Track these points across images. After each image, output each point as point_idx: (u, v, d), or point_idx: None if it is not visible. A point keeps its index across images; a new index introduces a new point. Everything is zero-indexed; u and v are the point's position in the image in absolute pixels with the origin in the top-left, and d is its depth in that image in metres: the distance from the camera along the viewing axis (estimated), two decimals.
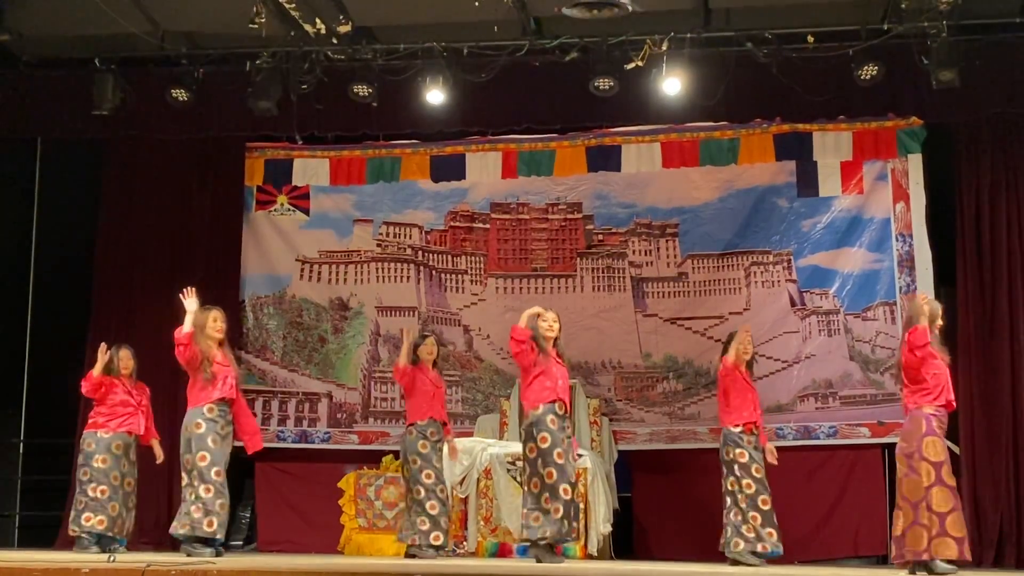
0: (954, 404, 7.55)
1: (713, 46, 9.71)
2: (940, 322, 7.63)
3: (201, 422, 7.93)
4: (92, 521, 9.02)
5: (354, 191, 11.27)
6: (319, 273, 11.28)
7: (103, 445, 9.15)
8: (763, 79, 9.67)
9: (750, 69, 9.66)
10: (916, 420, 7.37)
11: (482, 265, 11.12)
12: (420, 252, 11.20)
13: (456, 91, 9.94)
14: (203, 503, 7.81)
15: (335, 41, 9.68)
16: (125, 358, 9.35)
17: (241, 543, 10.87)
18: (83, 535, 9.03)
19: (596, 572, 7.55)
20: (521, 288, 11.01)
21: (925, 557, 7.16)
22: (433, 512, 8.60)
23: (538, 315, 7.95)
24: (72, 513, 9.15)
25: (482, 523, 9.49)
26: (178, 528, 7.87)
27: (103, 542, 8.99)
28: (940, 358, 7.48)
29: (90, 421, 9.27)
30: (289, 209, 11.35)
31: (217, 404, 7.97)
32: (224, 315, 8.27)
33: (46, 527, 10.56)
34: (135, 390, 9.34)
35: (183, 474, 8.01)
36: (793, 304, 10.54)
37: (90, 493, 9.07)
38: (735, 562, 8.35)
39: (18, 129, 10.68)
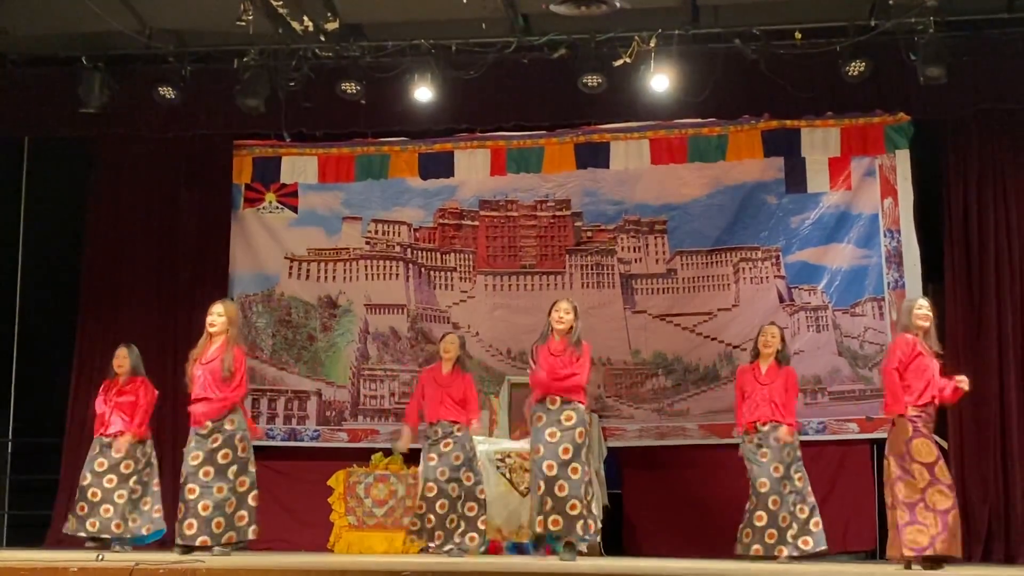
0: (939, 396, 7.53)
1: (701, 43, 9.71)
2: (922, 323, 7.61)
3: None
4: (98, 526, 8.95)
5: (343, 188, 11.25)
6: (308, 271, 11.25)
7: (99, 448, 9.08)
8: (751, 76, 9.68)
9: (738, 66, 9.67)
10: (901, 423, 7.37)
11: (471, 262, 11.10)
12: (409, 249, 11.18)
13: (444, 88, 9.94)
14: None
15: (323, 38, 9.66)
16: (121, 357, 9.25)
17: None
18: (89, 540, 8.93)
19: (586, 569, 7.54)
20: (510, 285, 11.00)
21: (929, 552, 7.14)
22: (442, 511, 8.70)
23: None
24: (75, 521, 8.95)
25: None
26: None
27: (111, 544, 8.90)
28: (925, 355, 7.47)
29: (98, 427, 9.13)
30: (277, 207, 11.32)
31: None
32: (224, 307, 8.45)
33: (35, 526, 10.53)
34: (129, 389, 9.19)
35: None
36: (782, 300, 10.54)
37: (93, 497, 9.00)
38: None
39: (5, 128, 10.64)
